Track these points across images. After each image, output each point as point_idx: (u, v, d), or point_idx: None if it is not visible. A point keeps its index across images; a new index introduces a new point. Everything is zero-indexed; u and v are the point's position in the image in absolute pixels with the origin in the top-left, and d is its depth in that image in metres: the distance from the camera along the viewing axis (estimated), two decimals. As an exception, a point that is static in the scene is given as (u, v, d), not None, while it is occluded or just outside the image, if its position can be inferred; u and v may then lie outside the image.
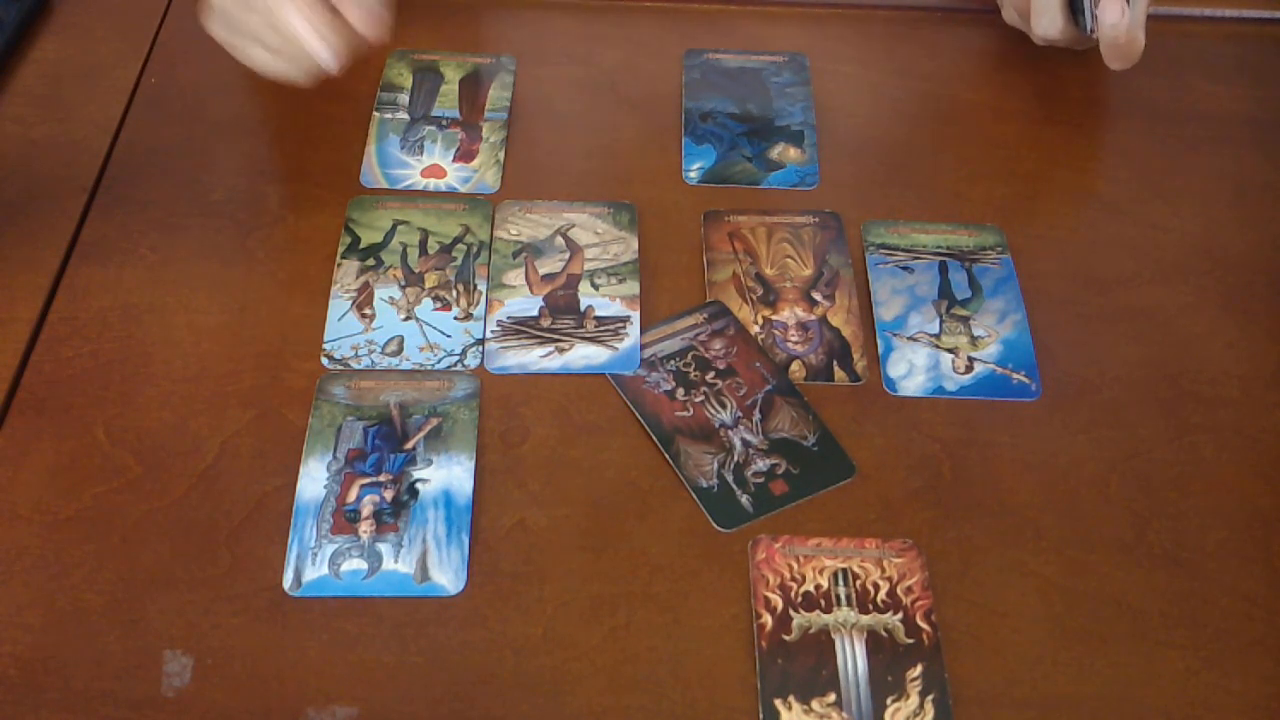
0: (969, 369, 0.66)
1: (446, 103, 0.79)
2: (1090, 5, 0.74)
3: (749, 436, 0.63)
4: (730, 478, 0.62)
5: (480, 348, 0.67)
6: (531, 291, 0.69)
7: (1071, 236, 0.73)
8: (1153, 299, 0.70)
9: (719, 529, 0.60)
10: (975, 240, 0.72)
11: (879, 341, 0.67)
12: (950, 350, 0.67)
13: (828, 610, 0.57)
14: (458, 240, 0.71)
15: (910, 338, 0.68)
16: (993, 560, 0.59)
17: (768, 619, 0.57)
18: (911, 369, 0.66)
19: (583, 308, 0.68)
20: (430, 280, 0.70)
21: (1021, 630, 0.57)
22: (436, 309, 0.68)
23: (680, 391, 0.65)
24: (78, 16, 0.85)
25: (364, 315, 0.68)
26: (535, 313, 0.68)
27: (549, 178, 0.76)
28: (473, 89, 0.81)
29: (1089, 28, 0.75)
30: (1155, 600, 0.58)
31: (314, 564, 0.58)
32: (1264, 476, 0.63)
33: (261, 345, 0.67)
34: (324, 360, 0.66)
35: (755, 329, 0.68)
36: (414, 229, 0.72)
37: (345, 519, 0.60)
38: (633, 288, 0.69)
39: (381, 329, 0.67)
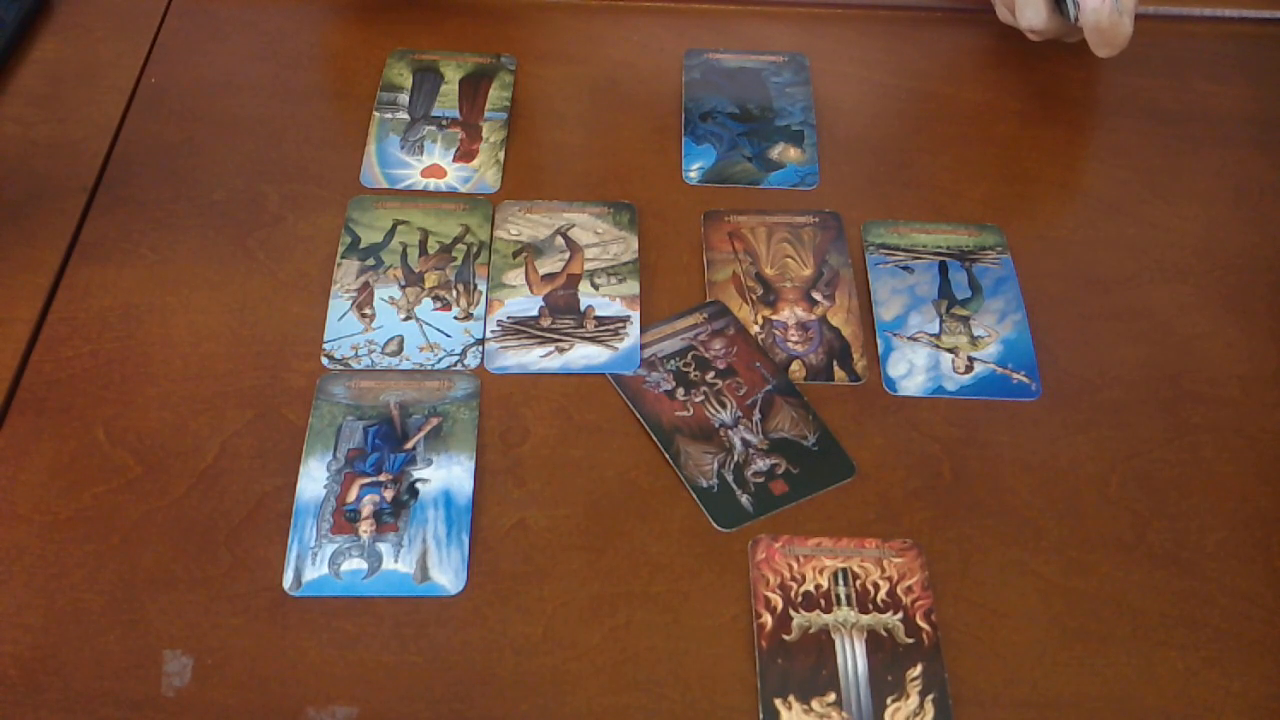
0: (969, 369, 0.66)
1: (446, 103, 0.79)
2: None
3: (749, 436, 0.63)
4: (730, 477, 0.62)
5: (480, 347, 0.67)
6: (531, 291, 0.69)
7: (1071, 236, 0.73)
8: (1153, 299, 0.70)
9: (719, 529, 0.60)
10: (975, 240, 0.72)
11: (879, 341, 0.67)
12: (950, 350, 0.67)
13: (828, 610, 0.57)
14: (458, 240, 0.71)
15: (910, 338, 0.68)
16: (993, 560, 0.59)
17: (768, 619, 0.57)
18: (911, 369, 0.66)
19: (583, 307, 0.68)
20: (430, 280, 0.70)
21: (1021, 630, 0.57)
22: (436, 309, 0.68)
23: (680, 391, 0.65)
24: (78, 16, 0.85)
25: (364, 315, 0.68)
26: (535, 313, 0.68)
27: (549, 178, 0.76)
28: (473, 89, 0.80)
29: (1073, 16, 0.75)
30: (1155, 600, 0.58)
31: (314, 564, 0.58)
32: (1264, 476, 0.63)
33: (261, 345, 0.67)
34: (324, 360, 0.66)
35: (755, 329, 0.68)
36: (414, 229, 0.72)
37: (345, 519, 0.60)
38: (633, 288, 0.69)
39: (381, 329, 0.67)
